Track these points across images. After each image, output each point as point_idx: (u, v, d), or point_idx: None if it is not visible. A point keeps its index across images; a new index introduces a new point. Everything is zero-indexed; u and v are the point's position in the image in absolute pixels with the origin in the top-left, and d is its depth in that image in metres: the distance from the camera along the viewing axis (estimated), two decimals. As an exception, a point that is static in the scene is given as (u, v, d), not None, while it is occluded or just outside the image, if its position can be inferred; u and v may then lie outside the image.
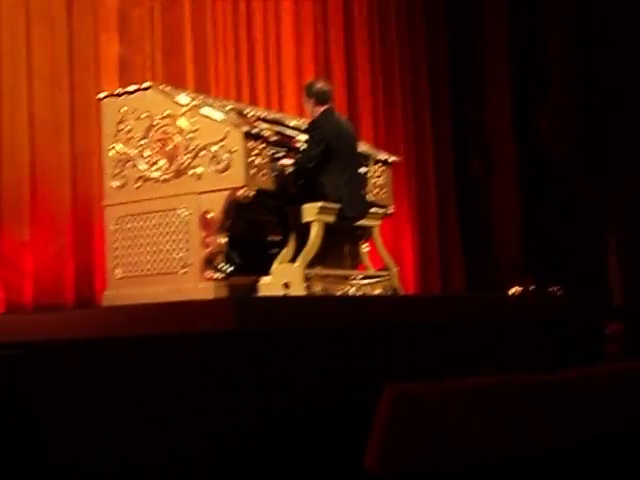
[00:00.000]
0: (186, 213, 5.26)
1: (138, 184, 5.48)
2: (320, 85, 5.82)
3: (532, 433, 3.34)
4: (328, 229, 5.47)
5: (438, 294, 8.57)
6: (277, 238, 5.74)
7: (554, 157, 9.69)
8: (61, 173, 6.42)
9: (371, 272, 6.01)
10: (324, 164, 5.53)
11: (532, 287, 8.63)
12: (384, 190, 6.29)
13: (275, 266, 5.33)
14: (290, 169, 5.51)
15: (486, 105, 9.92)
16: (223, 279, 5.21)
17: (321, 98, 5.69)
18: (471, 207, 9.79)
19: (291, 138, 5.88)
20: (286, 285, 4.78)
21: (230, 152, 5.16)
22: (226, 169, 5.17)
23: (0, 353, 4.11)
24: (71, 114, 6.51)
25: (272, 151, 5.44)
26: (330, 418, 3.74)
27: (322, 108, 5.68)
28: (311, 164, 5.51)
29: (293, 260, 5.35)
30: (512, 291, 8.25)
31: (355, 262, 6.09)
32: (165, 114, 5.41)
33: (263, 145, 5.29)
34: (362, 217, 5.79)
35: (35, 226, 6.22)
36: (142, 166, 5.47)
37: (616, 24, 9.23)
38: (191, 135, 5.30)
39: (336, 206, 5.50)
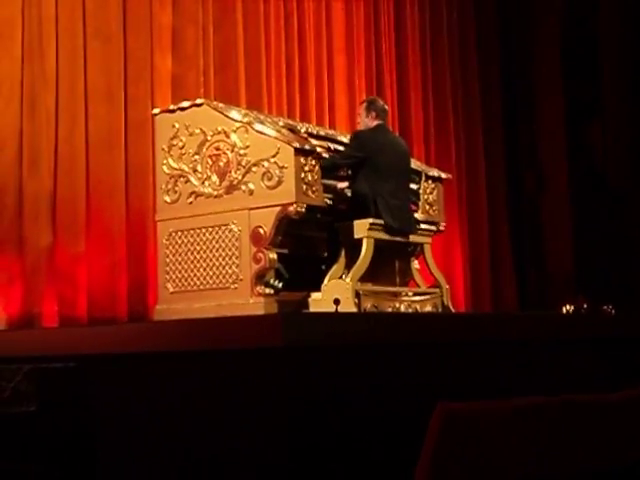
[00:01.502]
0: (237, 229, 5.29)
1: (190, 199, 5.53)
2: (382, 103, 5.97)
3: (583, 453, 3.30)
4: (379, 246, 5.47)
5: (489, 312, 8.50)
6: (327, 254, 5.75)
7: (607, 173, 9.58)
8: (116, 188, 6.51)
9: (422, 289, 5.99)
10: (369, 180, 5.54)
11: (585, 306, 8.53)
12: (435, 207, 6.27)
13: (325, 282, 5.34)
14: (347, 192, 5.60)
15: (538, 121, 9.86)
16: (273, 295, 5.24)
17: (381, 115, 5.80)
18: (523, 224, 9.72)
19: (342, 154, 5.89)
20: (336, 301, 4.78)
21: (282, 168, 5.19)
22: (277, 185, 5.20)
23: (53, 366, 4.16)
24: (126, 130, 6.61)
25: (323, 167, 5.46)
26: (380, 436, 3.73)
27: (376, 122, 5.73)
28: (341, 162, 5.62)
29: (343, 276, 5.35)
30: (565, 309, 8.17)
31: (406, 279, 6.07)
32: (218, 130, 5.46)
33: (314, 161, 5.31)
34: (409, 233, 5.78)
35: (89, 240, 6.31)
36: (195, 181, 5.52)
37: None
38: (243, 151, 5.34)
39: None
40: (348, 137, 6.46)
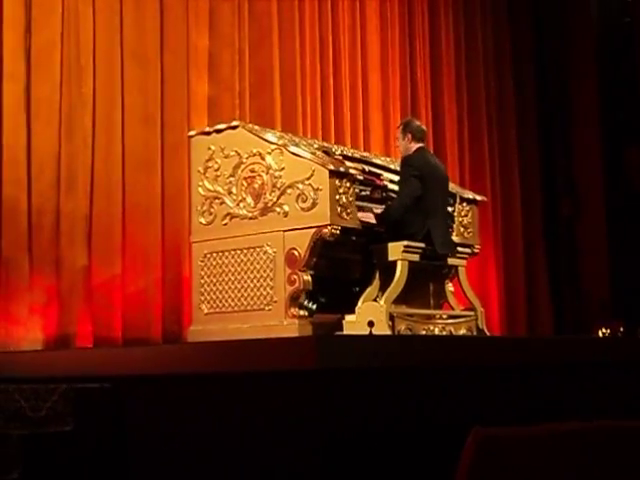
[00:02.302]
0: (272, 250, 5.30)
1: (225, 221, 5.56)
2: (418, 124, 5.94)
3: (620, 480, 3.26)
4: (413, 268, 5.46)
5: (524, 336, 8.44)
6: (362, 276, 5.74)
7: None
8: (151, 209, 6.56)
9: (456, 312, 5.96)
10: (419, 204, 5.53)
11: (621, 329, 8.45)
12: (470, 229, 6.24)
13: (360, 304, 5.33)
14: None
15: (575, 144, 9.81)
16: (308, 316, 5.24)
17: (417, 136, 5.76)
18: (559, 247, 9.65)
19: (377, 176, 5.90)
20: (370, 323, 4.77)
21: (316, 190, 5.20)
22: (312, 207, 5.21)
23: (89, 386, 4.19)
24: (162, 152, 6.67)
25: (358, 189, 5.47)
26: (413, 461, 3.71)
27: (416, 145, 5.72)
28: (407, 200, 5.53)
29: (377, 299, 5.34)
30: (601, 333, 8.09)
31: (440, 301, 6.05)
32: (253, 152, 5.49)
33: (349, 183, 5.31)
34: (448, 257, 5.77)
35: (125, 261, 6.35)
36: (230, 203, 5.55)
37: None
38: (278, 173, 5.36)
39: (421, 245, 5.49)
40: (382, 159, 6.48)
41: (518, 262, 9.09)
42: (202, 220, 5.67)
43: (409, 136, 5.75)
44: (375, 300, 5.34)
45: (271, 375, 3.72)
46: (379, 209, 5.65)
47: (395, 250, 5.41)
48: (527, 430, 2.91)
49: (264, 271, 5.33)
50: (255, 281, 5.37)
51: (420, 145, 5.76)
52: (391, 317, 5.26)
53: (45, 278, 6.00)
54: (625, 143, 9.64)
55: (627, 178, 9.64)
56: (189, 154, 6.03)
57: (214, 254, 5.57)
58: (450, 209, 6.06)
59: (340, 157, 5.80)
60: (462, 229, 6.19)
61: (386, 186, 5.82)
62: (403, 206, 5.55)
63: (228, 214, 5.56)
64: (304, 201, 5.24)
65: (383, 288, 5.39)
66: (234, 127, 5.65)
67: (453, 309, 6.03)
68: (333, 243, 5.24)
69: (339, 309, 5.42)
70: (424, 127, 5.98)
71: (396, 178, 5.81)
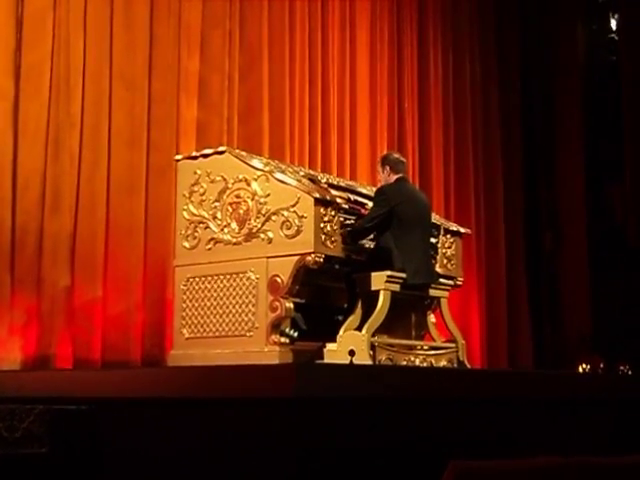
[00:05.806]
0: (255, 277, 5.30)
1: (209, 246, 5.55)
2: (396, 155, 5.97)
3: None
4: (396, 298, 5.46)
5: (505, 369, 8.44)
6: (344, 305, 5.74)
7: (625, 233, 9.56)
8: (135, 232, 6.54)
9: (437, 343, 5.96)
10: (392, 232, 5.55)
11: (601, 365, 8.47)
12: (453, 261, 6.26)
13: (341, 333, 5.32)
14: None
15: (558, 179, 9.88)
16: (289, 344, 5.23)
17: (396, 167, 5.78)
18: (541, 281, 9.69)
19: (362, 205, 5.91)
20: (351, 353, 4.76)
21: (301, 218, 5.20)
22: (296, 234, 5.21)
23: (66, 408, 4.17)
24: (147, 174, 6.66)
25: (342, 218, 5.48)
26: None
27: (396, 177, 5.75)
28: (369, 224, 5.55)
29: (359, 328, 5.34)
30: (581, 368, 8.11)
31: (421, 332, 6.04)
32: (239, 178, 5.49)
33: (334, 212, 5.32)
34: (428, 286, 5.77)
35: (107, 283, 6.32)
36: (214, 228, 5.55)
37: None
38: (263, 199, 5.36)
39: (403, 275, 5.49)
40: (368, 188, 6.50)
41: (500, 295, 9.11)
42: (186, 244, 5.66)
43: (387, 169, 5.80)
44: (357, 329, 5.34)
45: (249, 401, 3.71)
46: None
47: (378, 280, 5.41)
48: (505, 464, 2.90)
49: (246, 297, 5.32)
50: (237, 307, 5.36)
51: (399, 176, 5.78)
52: (372, 347, 5.25)
53: (26, 298, 5.96)
54: (607, 179, 9.72)
55: (609, 214, 9.71)
56: (175, 178, 6.03)
57: (197, 278, 5.56)
58: (433, 240, 6.07)
59: (326, 185, 5.81)
60: (445, 261, 6.21)
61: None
62: (361, 230, 5.56)
63: (212, 239, 5.55)
64: (288, 228, 5.24)
65: (365, 317, 5.38)
66: (221, 152, 5.66)
67: (434, 340, 6.02)
68: (316, 271, 5.24)
69: (321, 337, 5.41)
70: (403, 158, 6.00)
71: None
